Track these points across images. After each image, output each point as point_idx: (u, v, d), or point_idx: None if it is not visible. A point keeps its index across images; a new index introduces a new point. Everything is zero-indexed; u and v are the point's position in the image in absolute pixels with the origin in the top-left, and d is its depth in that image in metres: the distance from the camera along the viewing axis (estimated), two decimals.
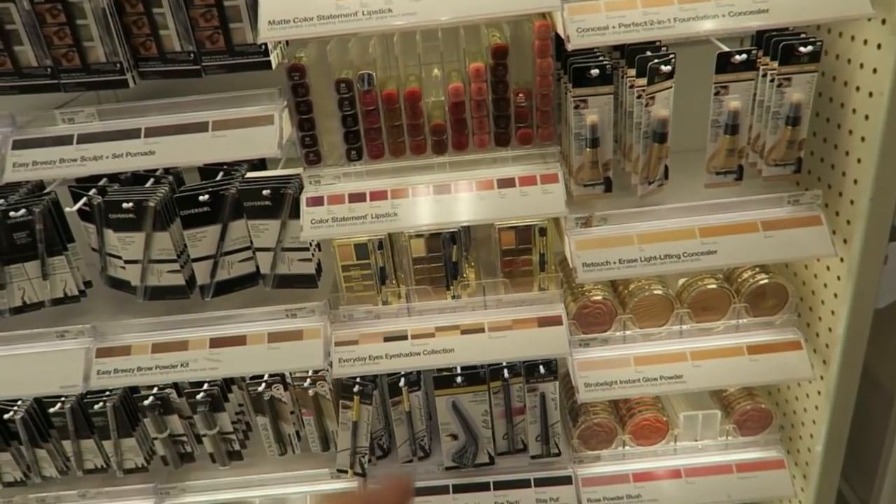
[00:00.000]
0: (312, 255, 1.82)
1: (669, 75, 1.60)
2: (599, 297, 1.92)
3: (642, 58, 1.57)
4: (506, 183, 1.68)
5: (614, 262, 1.73)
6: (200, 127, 1.59)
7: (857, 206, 1.66)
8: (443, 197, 1.68)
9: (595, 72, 1.56)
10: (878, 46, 1.51)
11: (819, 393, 1.97)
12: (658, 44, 1.67)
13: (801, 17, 1.49)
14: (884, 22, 1.48)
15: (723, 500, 2.14)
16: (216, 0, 1.52)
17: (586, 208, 1.77)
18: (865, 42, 1.56)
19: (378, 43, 1.64)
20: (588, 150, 1.67)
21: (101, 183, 1.83)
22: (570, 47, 1.47)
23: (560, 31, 1.51)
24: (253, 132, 1.58)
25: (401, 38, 1.63)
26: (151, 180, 1.82)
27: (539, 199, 1.67)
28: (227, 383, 2.09)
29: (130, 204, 1.70)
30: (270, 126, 1.58)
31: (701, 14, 1.50)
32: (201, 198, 1.71)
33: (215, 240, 1.79)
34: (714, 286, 1.91)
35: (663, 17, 1.50)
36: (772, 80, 1.62)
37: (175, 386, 2.04)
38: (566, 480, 2.08)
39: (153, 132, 1.59)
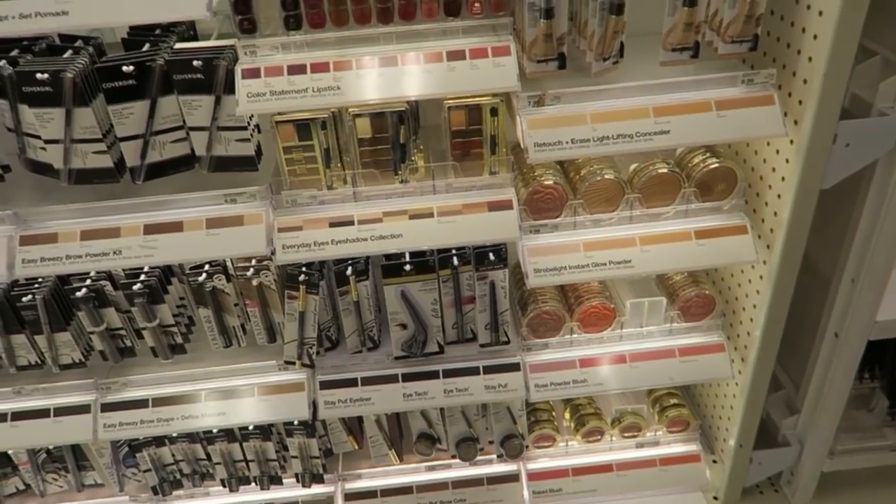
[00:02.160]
0: (251, 134, 1.71)
1: None
2: (551, 182, 1.88)
3: None
4: (455, 55, 1.59)
5: (567, 142, 1.69)
6: None
7: (811, 85, 1.64)
8: (389, 70, 1.59)
9: None
10: None
11: (761, 278, 2.01)
12: None
13: None
14: None
15: (665, 383, 2.21)
16: None
17: (539, 87, 1.70)
18: None
19: None
20: (542, 21, 1.59)
21: (12, 54, 1.66)
22: None
23: None
24: None
25: None
26: (69, 52, 1.66)
27: (490, 73, 1.59)
28: (167, 275, 2.00)
29: (46, 75, 1.55)
30: None
31: None
32: (125, 69, 1.57)
33: (144, 117, 1.66)
34: (665, 170, 1.90)
35: None
36: None
37: (110, 278, 1.95)
38: (514, 367, 2.10)
39: None
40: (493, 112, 1.74)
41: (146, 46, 1.69)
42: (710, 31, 1.71)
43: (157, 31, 1.77)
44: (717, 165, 1.90)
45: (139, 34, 1.76)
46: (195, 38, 1.80)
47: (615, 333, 2.17)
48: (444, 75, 1.58)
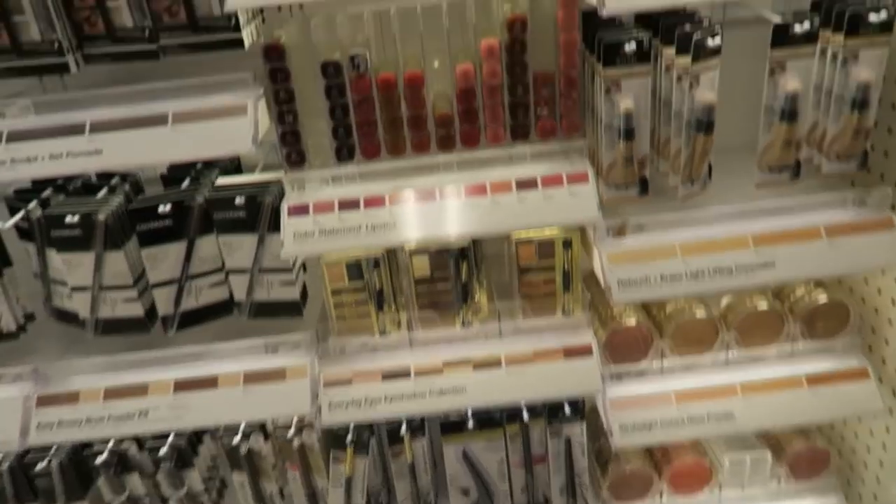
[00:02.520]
0: (296, 276, 1.54)
1: (716, 51, 1.36)
2: (633, 322, 1.64)
3: (684, 32, 1.33)
4: (526, 185, 1.42)
5: (655, 279, 1.47)
6: (158, 120, 1.32)
7: None
8: (451, 203, 1.42)
9: (631, 47, 1.32)
10: None
11: (887, 430, 1.69)
12: (696, 17, 1.45)
13: None
14: None
15: None
16: None
17: (618, 214, 1.50)
18: None
19: (372, 19, 1.39)
20: (622, 143, 1.42)
21: (44, 194, 1.55)
22: (604, 13, 1.22)
23: None
24: (222, 125, 1.31)
25: (398, 14, 1.38)
26: (104, 190, 1.54)
27: (566, 203, 1.40)
28: (197, 434, 1.78)
29: (76, 218, 1.42)
30: (243, 118, 1.31)
31: None
32: (161, 209, 1.43)
33: (180, 260, 1.51)
34: (765, 307, 1.65)
35: None
36: (834, 57, 1.39)
37: (135, 438, 1.73)
38: None
39: (100, 127, 1.32)
40: (567, 245, 1.54)
41: (186, 182, 1.57)
42: (809, 146, 1.52)
43: (199, 165, 1.66)
44: (826, 300, 1.64)
45: (179, 169, 1.64)
46: (239, 170, 1.68)
47: (713, 496, 1.85)
48: (514, 208, 1.40)
